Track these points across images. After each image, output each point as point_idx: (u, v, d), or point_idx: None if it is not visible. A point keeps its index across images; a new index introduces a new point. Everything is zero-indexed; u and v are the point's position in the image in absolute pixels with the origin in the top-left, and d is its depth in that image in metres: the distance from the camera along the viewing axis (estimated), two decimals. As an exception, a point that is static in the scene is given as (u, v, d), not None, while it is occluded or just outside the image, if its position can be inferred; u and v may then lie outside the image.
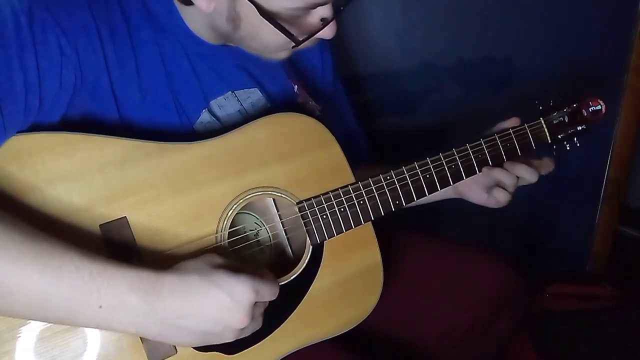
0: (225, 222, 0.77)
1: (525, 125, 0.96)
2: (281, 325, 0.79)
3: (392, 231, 1.00)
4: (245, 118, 0.85)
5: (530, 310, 1.50)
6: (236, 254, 0.80)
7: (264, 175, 0.80)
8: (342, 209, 0.83)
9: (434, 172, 0.89)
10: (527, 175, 0.93)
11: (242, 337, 0.67)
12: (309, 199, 0.82)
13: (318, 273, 0.82)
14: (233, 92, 0.85)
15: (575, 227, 1.71)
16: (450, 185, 0.91)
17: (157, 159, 0.73)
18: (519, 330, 1.36)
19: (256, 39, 0.77)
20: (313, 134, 0.84)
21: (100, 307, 0.59)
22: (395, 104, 1.40)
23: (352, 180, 0.86)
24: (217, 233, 0.76)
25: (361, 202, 0.84)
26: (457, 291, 0.99)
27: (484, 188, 0.94)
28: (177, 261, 0.66)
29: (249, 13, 0.72)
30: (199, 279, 0.62)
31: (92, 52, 0.72)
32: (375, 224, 0.87)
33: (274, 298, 0.67)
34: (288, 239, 0.85)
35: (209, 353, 0.73)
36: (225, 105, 0.84)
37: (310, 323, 0.81)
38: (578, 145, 1.00)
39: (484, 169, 0.93)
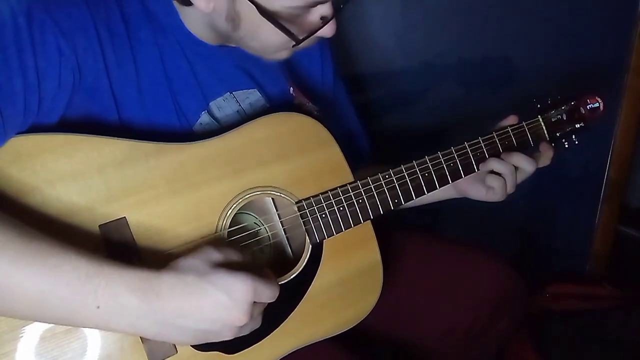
0: (225, 221, 0.77)
1: (524, 123, 0.96)
2: (281, 325, 0.79)
3: (392, 230, 1.00)
4: (244, 119, 0.85)
5: (530, 310, 1.50)
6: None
7: (263, 174, 0.80)
8: (341, 208, 0.83)
9: (433, 170, 0.89)
10: (524, 164, 0.91)
11: (241, 335, 0.67)
12: (308, 199, 0.82)
13: (317, 272, 0.82)
14: (231, 93, 0.85)
15: (575, 227, 1.71)
16: (449, 183, 0.91)
17: (156, 159, 0.73)
18: (519, 330, 1.36)
19: (256, 39, 0.77)
20: (312, 133, 0.84)
21: (98, 307, 0.59)
22: (395, 104, 1.40)
23: (351, 179, 0.86)
24: (216, 233, 0.76)
25: (360, 201, 0.85)
26: (457, 291, 0.99)
27: (483, 182, 0.94)
28: None
29: (249, 12, 0.72)
30: (197, 278, 0.62)
31: (91, 53, 0.72)
32: (375, 223, 0.87)
33: (274, 299, 0.66)
34: (287, 238, 0.85)
35: (209, 353, 0.73)
36: (224, 106, 0.84)
37: (309, 322, 0.81)
38: (577, 143, 1.00)
39: (480, 165, 0.92)
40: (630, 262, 1.75)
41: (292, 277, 0.80)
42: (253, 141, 0.79)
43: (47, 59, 0.68)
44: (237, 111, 0.86)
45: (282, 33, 0.73)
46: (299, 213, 0.81)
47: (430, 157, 0.90)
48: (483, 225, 1.42)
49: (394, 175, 0.87)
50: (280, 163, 0.81)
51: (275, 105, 0.89)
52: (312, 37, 0.76)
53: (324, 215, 0.82)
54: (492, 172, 0.93)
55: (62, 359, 0.66)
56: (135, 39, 0.76)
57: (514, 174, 0.92)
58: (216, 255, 0.65)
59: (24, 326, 0.65)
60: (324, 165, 0.84)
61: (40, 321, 0.64)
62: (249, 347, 0.76)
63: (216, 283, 0.62)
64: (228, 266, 0.64)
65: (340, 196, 0.83)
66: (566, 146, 1.00)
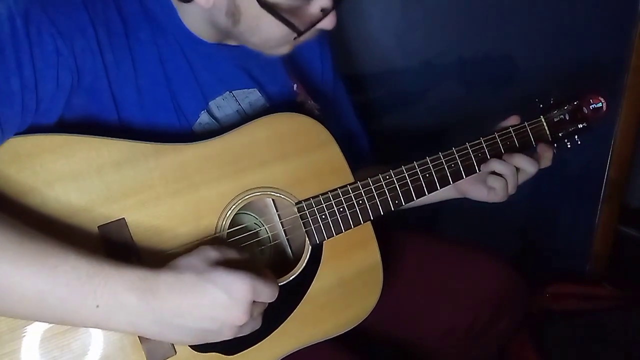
0: (225, 222, 0.77)
1: (526, 124, 0.96)
2: (281, 326, 0.78)
3: (392, 231, 1.00)
4: (244, 118, 0.85)
5: (530, 310, 1.50)
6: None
7: (263, 175, 0.79)
8: (341, 209, 0.83)
9: (434, 171, 0.89)
10: (526, 165, 0.91)
11: (241, 335, 0.66)
12: (308, 199, 0.82)
13: (317, 273, 0.82)
14: (231, 92, 0.85)
15: (575, 227, 1.71)
16: (450, 184, 0.91)
17: (155, 159, 0.73)
18: (519, 330, 1.36)
19: (256, 33, 0.77)
20: (312, 134, 0.84)
21: (98, 306, 0.59)
22: (395, 104, 1.40)
23: (351, 180, 0.85)
24: (216, 233, 0.76)
25: (360, 202, 0.84)
26: (457, 291, 0.99)
27: (484, 183, 0.94)
28: None
29: (249, 6, 0.72)
30: (196, 277, 0.62)
31: (89, 53, 0.72)
32: (375, 224, 0.87)
33: (274, 300, 0.66)
34: (287, 239, 0.85)
35: (208, 354, 0.73)
36: (223, 105, 0.84)
37: (309, 323, 0.81)
38: (579, 143, 0.99)
39: (482, 166, 0.92)
40: (630, 262, 1.75)
41: (292, 277, 0.80)
42: (253, 141, 0.79)
43: (44, 60, 0.67)
44: (237, 111, 0.85)
45: (282, 26, 0.73)
46: (299, 214, 0.81)
47: (431, 157, 0.89)
48: (483, 225, 1.42)
49: (395, 176, 0.87)
50: (280, 163, 0.81)
51: (275, 104, 0.89)
52: (312, 29, 0.76)
53: (324, 217, 0.82)
54: (493, 172, 0.92)
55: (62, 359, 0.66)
56: (134, 38, 0.76)
57: (515, 175, 0.92)
58: (215, 255, 0.65)
59: (23, 326, 0.65)
60: (324, 165, 0.84)
61: (40, 321, 0.64)
62: (249, 347, 0.76)
63: (215, 281, 0.62)
64: (227, 265, 0.64)
65: (340, 197, 0.83)
66: (569, 146, 0.99)
